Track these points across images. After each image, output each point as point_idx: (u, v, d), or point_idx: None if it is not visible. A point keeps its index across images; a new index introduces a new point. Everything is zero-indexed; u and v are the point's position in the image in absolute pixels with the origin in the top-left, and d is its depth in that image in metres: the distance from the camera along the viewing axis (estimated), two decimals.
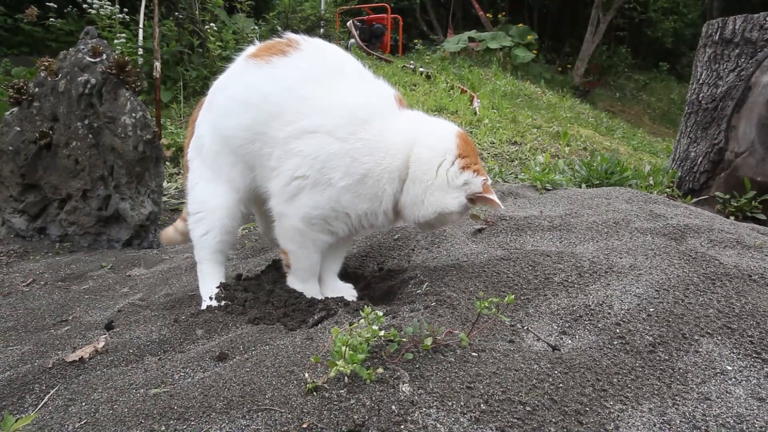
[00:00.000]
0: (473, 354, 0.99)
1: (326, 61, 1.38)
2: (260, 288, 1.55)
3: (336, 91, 1.34)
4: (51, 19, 5.91)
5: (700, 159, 2.85)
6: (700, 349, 1.05)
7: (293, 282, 1.49)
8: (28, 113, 2.61)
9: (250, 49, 1.47)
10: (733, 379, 0.98)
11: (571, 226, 1.87)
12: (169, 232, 1.86)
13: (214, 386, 0.97)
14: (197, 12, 5.66)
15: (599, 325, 1.18)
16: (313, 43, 1.42)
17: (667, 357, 1.04)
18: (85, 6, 5.20)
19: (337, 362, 0.85)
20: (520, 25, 11.21)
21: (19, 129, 2.60)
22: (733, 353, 1.04)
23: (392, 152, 1.33)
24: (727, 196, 2.63)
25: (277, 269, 1.70)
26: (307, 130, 1.32)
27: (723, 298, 1.20)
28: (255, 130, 1.38)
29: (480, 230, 1.94)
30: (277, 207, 1.41)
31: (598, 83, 11.59)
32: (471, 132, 5.10)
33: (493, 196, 1.34)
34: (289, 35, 1.44)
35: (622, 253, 1.54)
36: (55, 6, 5.93)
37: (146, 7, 4.92)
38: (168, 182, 3.67)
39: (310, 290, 1.48)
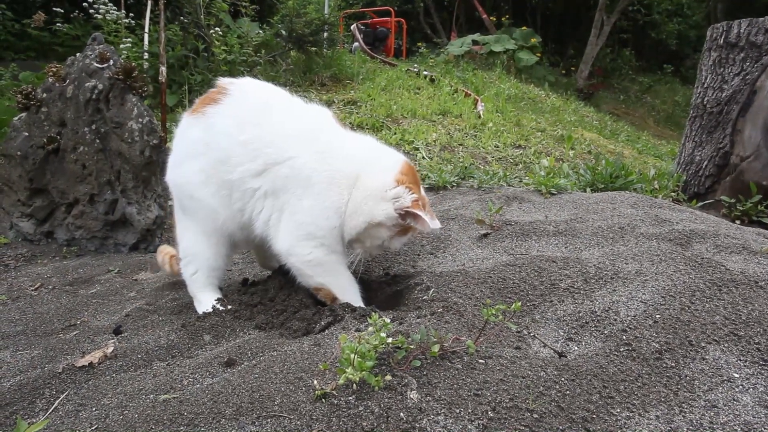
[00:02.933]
0: (480, 361, 1.00)
1: (254, 102, 1.47)
2: (267, 292, 1.56)
3: (271, 125, 1.42)
4: (58, 24, 5.96)
5: (706, 163, 2.84)
6: (707, 356, 1.06)
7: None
8: (36, 118, 2.63)
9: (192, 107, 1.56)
10: (741, 387, 0.98)
11: (576, 231, 1.87)
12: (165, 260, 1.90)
13: (223, 392, 0.98)
14: (202, 16, 5.69)
15: (605, 332, 1.18)
16: (238, 85, 1.50)
17: (673, 364, 1.04)
18: (91, 11, 5.24)
19: (346, 369, 0.86)
20: (524, 28, 11.21)
21: (27, 134, 2.62)
22: (740, 360, 1.04)
23: (348, 161, 1.39)
24: (733, 200, 2.62)
25: (283, 274, 1.71)
26: (259, 171, 1.40)
27: (729, 305, 1.20)
28: (206, 173, 1.47)
29: (485, 235, 1.94)
30: (278, 249, 1.44)
31: (602, 86, 11.56)
32: (475, 135, 5.11)
33: (422, 213, 1.32)
34: (220, 81, 1.53)
35: (628, 258, 1.54)
36: (62, 11, 5.97)
37: (152, 11, 4.95)
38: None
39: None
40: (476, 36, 10.79)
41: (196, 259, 1.57)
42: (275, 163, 1.39)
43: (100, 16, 5.19)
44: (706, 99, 2.87)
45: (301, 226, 1.38)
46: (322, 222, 1.37)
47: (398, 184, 1.35)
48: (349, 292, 1.43)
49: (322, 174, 1.36)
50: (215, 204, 1.48)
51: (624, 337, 1.14)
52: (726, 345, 1.08)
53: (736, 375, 1.00)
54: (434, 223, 1.42)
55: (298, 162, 1.37)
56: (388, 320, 0.97)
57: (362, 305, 1.42)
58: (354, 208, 1.36)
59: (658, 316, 1.19)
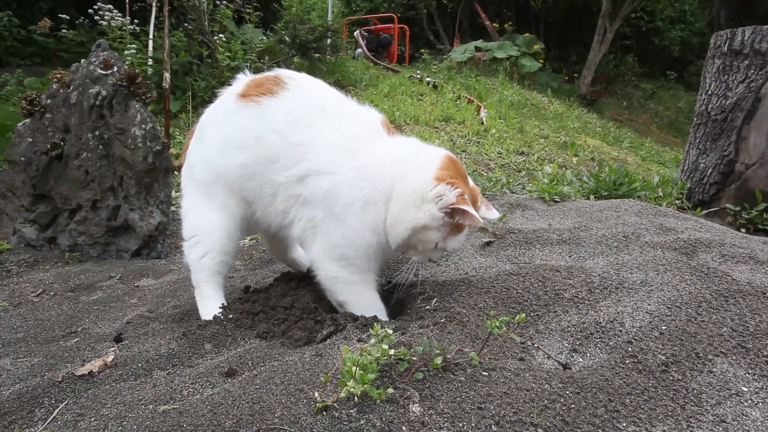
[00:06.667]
0: (484, 373, 0.99)
1: (310, 102, 1.42)
2: (269, 300, 1.55)
3: (320, 131, 1.38)
4: (63, 31, 6.01)
5: (710, 170, 2.83)
6: (715, 369, 1.04)
7: None
8: (40, 124, 2.64)
9: (239, 86, 1.49)
10: (750, 401, 0.96)
11: (580, 240, 1.86)
12: None
13: (223, 404, 0.97)
14: (206, 23, 5.72)
15: (611, 343, 1.16)
16: (297, 81, 1.45)
17: (680, 377, 1.03)
18: (96, 18, 5.28)
19: (348, 382, 0.85)
20: (527, 34, 11.24)
21: (31, 140, 2.63)
22: (749, 374, 1.02)
23: (385, 174, 1.33)
24: (738, 208, 2.60)
25: (285, 282, 1.70)
26: (302, 176, 1.37)
27: (737, 316, 1.19)
28: (251, 170, 1.43)
29: (488, 243, 1.93)
30: (310, 257, 1.43)
31: (605, 92, 11.56)
32: (478, 142, 5.11)
33: (469, 209, 1.25)
34: (277, 72, 1.48)
35: (633, 268, 1.52)
36: (68, 17, 6.02)
37: (156, 18, 4.99)
38: (177, 192, 3.69)
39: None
40: (479, 42, 10.83)
41: (208, 240, 1.49)
42: (317, 173, 1.35)
43: (105, 23, 5.23)
44: (710, 106, 2.85)
45: (335, 247, 1.35)
46: (356, 243, 1.34)
47: (439, 181, 1.28)
48: (370, 314, 1.36)
49: (360, 193, 1.32)
50: (254, 198, 1.45)
51: (629, 349, 1.12)
52: (734, 357, 1.06)
53: (745, 389, 0.99)
54: (491, 213, 1.37)
55: (338, 180, 1.33)
56: (390, 331, 0.96)
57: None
58: (393, 219, 1.31)
59: (664, 328, 1.17)
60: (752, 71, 2.70)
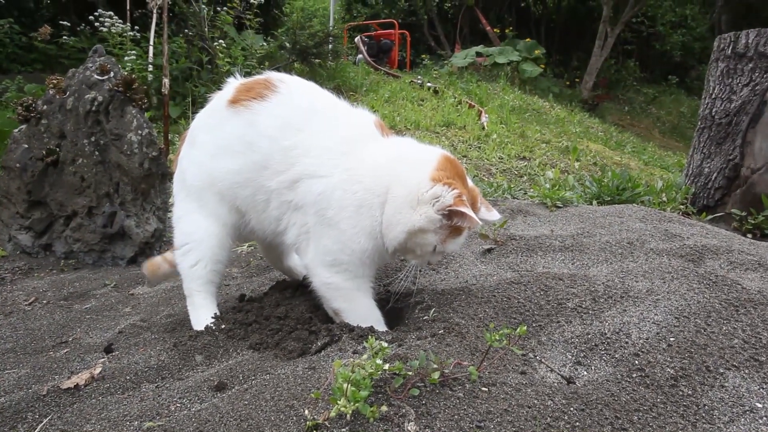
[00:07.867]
0: (483, 389, 0.94)
1: (301, 105, 1.38)
2: (263, 310, 1.51)
3: (312, 134, 1.34)
4: (64, 37, 6.02)
5: (715, 175, 2.78)
6: (726, 384, 0.99)
7: None
8: (36, 130, 2.61)
9: (230, 91, 1.45)
10: (765, 418, 0.91)
11: (583, 247, 1.81)
12: (156, 261, 1.71)
13: (210, 420, 0.93)
14: (206, 29, 5.72)
15: (616, 356, 1.12)
16: (288, 84, 1.41)
17: (690, 392, 0.98)
18: (97, 24, 5.28)
19: (339, 401, 0.80)
20: (528, 39, 11.22)
21: (26, 146, 2.61)
22: (763, 389, 0.97)
23: (379, 176, 1.29)
24: (744, 214, 2.56)
25: (280, 291, 1.66)
26: (294, 181, 1.34)
27: (748, 327, 1.14)
28: (245, 176, 1.39)
29: (489, 250, 1.89)
30: (303, 263, 1.40)
31: (607, 97, 11.53)
32: (479, 147, 5.07)
33: (468, 210, 1.19)
34: (267, 74, 1.44)
35: (638, 276, 1.48)
36: (68, 24, 6.03)
37: (157, 24, 4.98)
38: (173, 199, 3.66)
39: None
40: (480, 48, 10.81)
41: (199, 247, 1.45)
42: (309, 177, 1.31)
43: (105, 29, 5.23)
44: (714, 110, 2.81)
45: (328, 252, 1.31)
46: (349, 248, 1.29)
47: (435, 182, 1.23)
48: (366, 322, 1.31)
49: (353, 196, 1.28)
50: (248, 207, 1.41)
51: (636, 362, 1.07)
52: (746, 371, 1.01)
53: (759, 405, 0.94)
54: (491, 215, 1.33)
55: (331, 183, 1.29)
56: (385, 344, 0.91)
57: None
58: (389, 222, 1.26)
59: (672, 339, 1.12)
60: (757, 74, 2.66)
